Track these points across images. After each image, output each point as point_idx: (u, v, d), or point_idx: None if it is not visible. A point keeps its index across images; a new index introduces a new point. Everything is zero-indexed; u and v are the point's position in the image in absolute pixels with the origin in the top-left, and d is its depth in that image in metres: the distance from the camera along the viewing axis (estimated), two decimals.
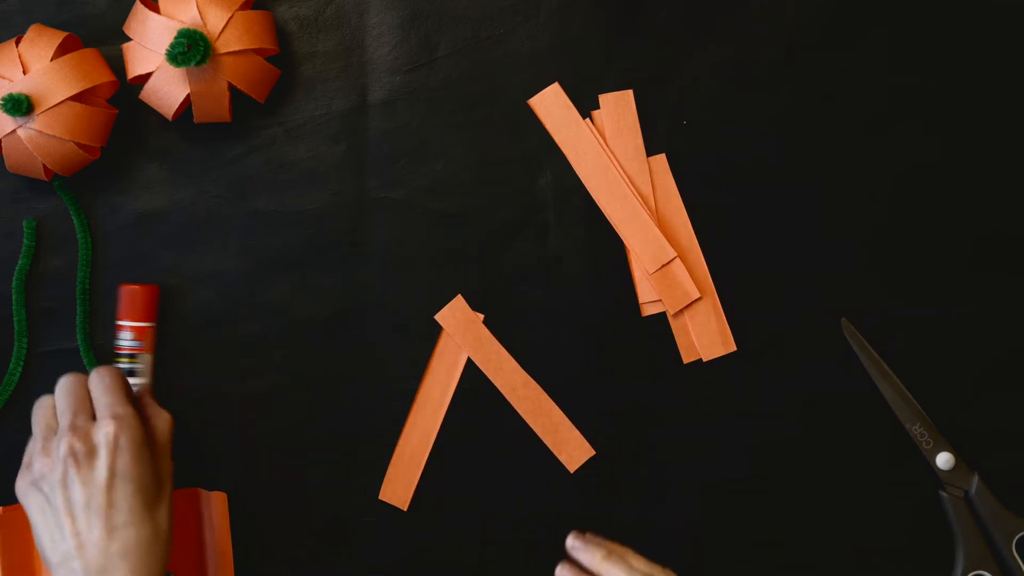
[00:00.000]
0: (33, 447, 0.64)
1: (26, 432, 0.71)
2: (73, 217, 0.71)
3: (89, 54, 0.67)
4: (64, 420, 0.62)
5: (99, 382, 0.64)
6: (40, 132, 0.66)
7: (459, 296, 0.71)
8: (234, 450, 0.71)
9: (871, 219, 0.71)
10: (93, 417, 0.63)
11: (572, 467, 0.71)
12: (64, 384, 0.64)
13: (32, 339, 0.71)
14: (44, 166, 0.68)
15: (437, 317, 0.71)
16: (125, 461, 0.61)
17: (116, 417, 0.62)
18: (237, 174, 0.72)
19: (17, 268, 0.71)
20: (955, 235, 0.71)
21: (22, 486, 0.63)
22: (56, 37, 0.67)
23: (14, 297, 0.71)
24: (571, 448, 0.71)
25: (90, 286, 0.71)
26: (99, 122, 0.68)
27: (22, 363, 0.71)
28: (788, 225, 0.71)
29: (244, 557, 0.70)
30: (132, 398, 0.65)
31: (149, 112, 0.70)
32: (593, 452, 0.71)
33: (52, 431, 0.63)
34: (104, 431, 0.61)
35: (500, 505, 0.71)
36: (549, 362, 0.71)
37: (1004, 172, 0.71)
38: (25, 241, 0.71)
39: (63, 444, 0.61)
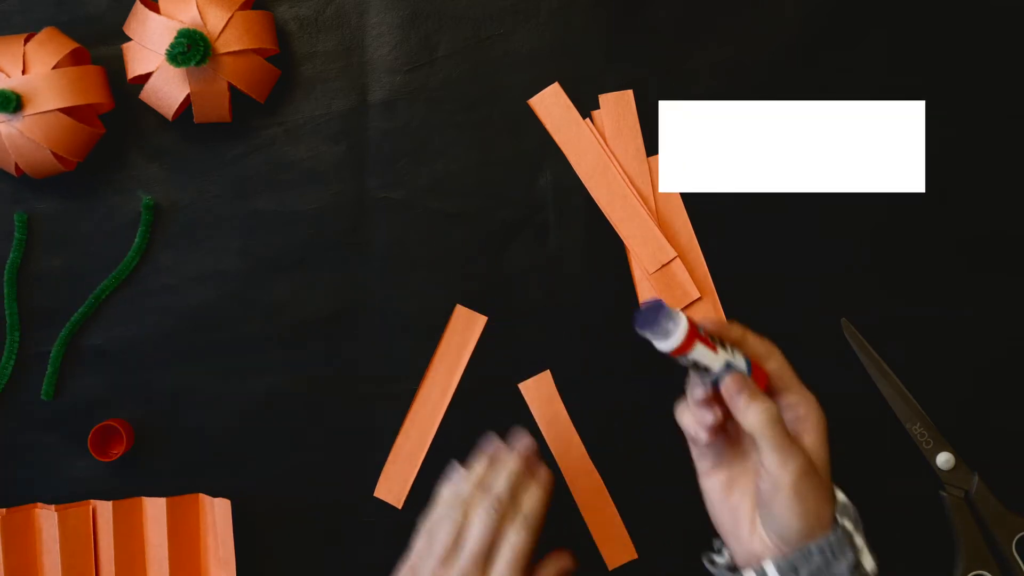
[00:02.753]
0: (429, 562, 0.62)
1: (17, 428, 0.71)
2: (138, 237, 0.71)
3: (92, 71, 0.67)
4: (461, 572, 0.61)
5: (508, 543, 0.61)
6: (21, 133, 0.66)
7: (547, 372, 0.71)
8: (234, 450, 0.71)
9: (871, 219, 0.71)
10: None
11: (611, 565, 0.70)
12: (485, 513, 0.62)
13: (26, 335, 0.71)
14: (16, 164, 0.68)
15: (521, 386, 0.71)
16: None
17: None
18: (237, 174, 0.72)
19: (8, 261, 0.71)
20: (955, 235, 0.71)
21: None
22: (66, 46, 0.67)
23: (5, 291, 0.71)
24: (614, 546, 0.70)
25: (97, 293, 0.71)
26: (82, 139, 0.68)
27: (14, 357, 0.71)
28: (788, 225, 0.71)
29: (243, 556, 0.70)
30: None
31: (149, 112, 0.71)
32: (636, 556, 0.70)
33: (451, 554, 0.61)
34: None
35: None
36: (549, 362, 0.71)
37: (1004, 172, 0.71)
38: (16, 235, 0.71)
39: None
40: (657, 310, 0.55)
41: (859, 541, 0.59)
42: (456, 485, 0.64)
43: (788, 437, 0.58)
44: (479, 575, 0.61)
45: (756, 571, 0.58)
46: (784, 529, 0.58)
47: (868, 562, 0.59)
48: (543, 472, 0.64)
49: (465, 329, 0.71)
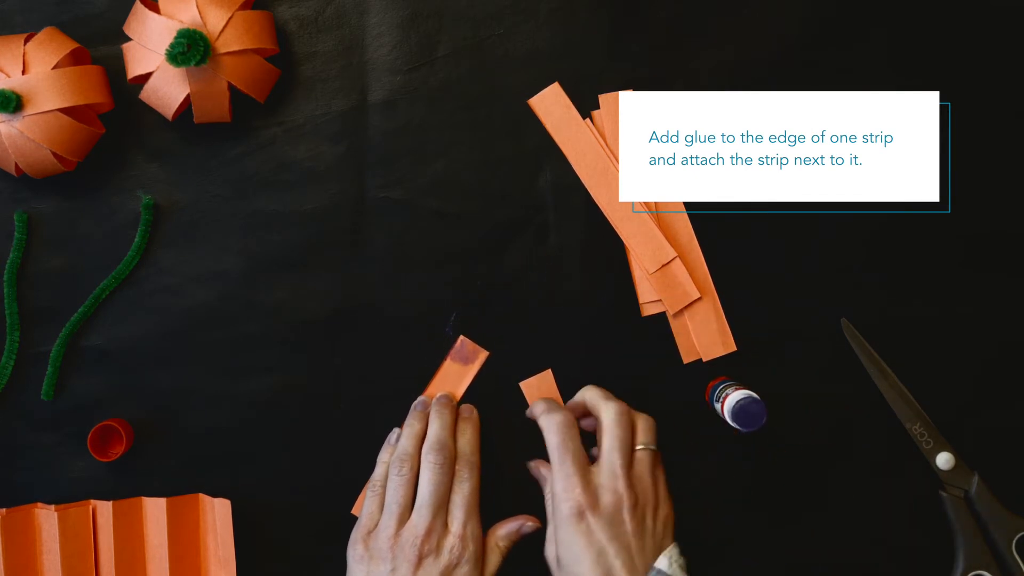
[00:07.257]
0: (386, 520, 0.65)
1: (17, 428, 0.71)
2: (138, 237, 0.71)
3: (92, 71, 0.67)
4: (423, 522, 0.65)
5: (460, 489, 0.67)
6: (21, 133, 0.66)
7: (548, 371, 0.71)
8: (234, 450, 0.71)
9: (871, 219, 0.71)
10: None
11: None
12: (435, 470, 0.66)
13: (26, 335, 0.71)
14: (16, 164, 0.68)
15: (522, 384, 0.71)
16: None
17: (465, 539, 0.65)
18: (237, 174, 0.72)
19: (8, 261, 0.71)
20: (955, 235, 0.71)
21: (359, 551, 0.65)
22: (66, 46, 0.67)
23: (5, 291, 0.71)
24: None
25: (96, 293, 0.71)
26: (82, 139, 0.68)
27: (14, 357, 0.71)
28: (788, 225, 0.71)
29: (242, 555, 0.70)
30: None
31: (149, 112, 0.71)
32: None
33: (405, 511, 0.65)
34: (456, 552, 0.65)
35: (498, 504, 0.71)
36: (549, 362, 0.71)
37: (1004, 172, 0.71)
38: (16, 235, 0.71)
39: (415, 549, 0.64)
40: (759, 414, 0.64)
41: None
42: (394, 446, 0.68)
43: (575, 466, 0.62)
44: (440, 523, 0.65)
45: None
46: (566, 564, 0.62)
47: None
48: (466, 410, 0.70)
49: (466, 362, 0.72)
